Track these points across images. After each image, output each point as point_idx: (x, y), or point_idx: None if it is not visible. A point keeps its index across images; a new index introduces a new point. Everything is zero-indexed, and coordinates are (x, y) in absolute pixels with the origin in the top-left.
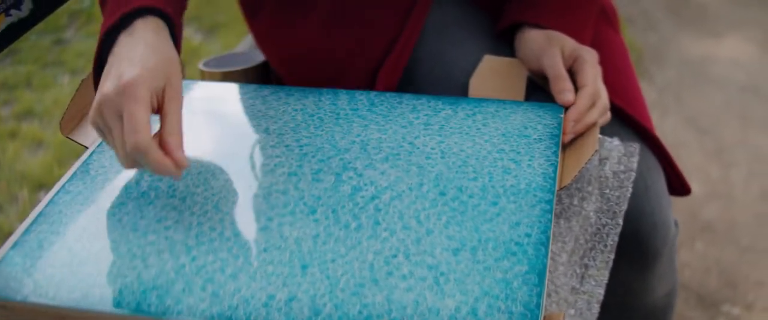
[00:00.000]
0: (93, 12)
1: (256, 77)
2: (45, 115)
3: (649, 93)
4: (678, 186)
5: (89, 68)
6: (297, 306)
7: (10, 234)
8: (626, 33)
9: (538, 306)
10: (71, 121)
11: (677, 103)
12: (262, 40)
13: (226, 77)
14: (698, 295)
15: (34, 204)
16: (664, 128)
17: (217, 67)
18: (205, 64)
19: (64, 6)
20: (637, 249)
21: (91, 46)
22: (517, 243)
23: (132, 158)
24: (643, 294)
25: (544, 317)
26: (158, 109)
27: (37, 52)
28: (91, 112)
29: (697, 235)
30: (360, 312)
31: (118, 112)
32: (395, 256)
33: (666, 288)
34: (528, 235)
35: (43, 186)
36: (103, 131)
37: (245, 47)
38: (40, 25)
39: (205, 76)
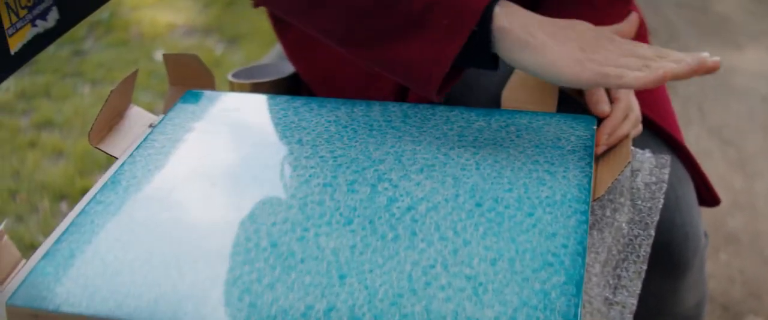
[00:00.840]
0: (112, 23)
1: (285, 88)
2: (65, 125)
3: (673, 104)
4: (707, 197)
5: (109, 78)
6: (336, 316)
7: (31, 245)
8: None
9: (575, 316)
10: (100, 131)
11: (700, 114)
12: (293, 53)
13: (256, 88)
14: (722, 305)
15: (55, 214)
16: (687, 139)
17: (246, 78)
18: (235, 76)
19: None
20: (668, 260)
21: (110, 56)
22: (553, 254)
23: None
24: (674, 305)
25: None
26: None
27: (56, 62)
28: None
29: (721, 246)
30: None
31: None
32: (433, 267)
33: (696, 298)
34: (564, 246)
35: (64, 196)
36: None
37: (272, 58)
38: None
39: (234, 88)
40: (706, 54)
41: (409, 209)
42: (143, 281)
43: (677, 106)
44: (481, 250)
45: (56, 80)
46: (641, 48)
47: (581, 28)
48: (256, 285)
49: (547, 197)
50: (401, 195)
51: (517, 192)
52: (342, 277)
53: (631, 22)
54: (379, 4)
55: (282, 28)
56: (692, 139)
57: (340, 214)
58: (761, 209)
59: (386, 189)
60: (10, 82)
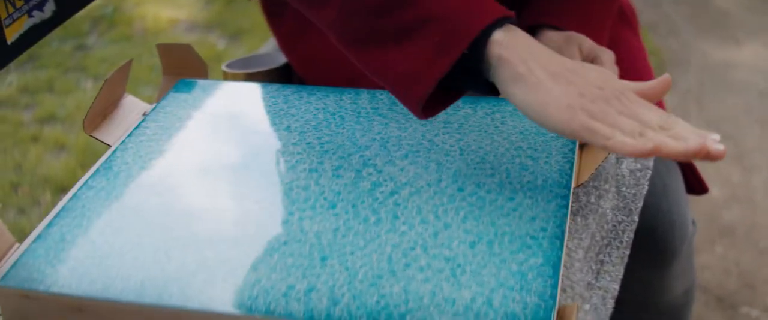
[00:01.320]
0: (115, 19)
1: (278, 78)
2: (67, 120)
3: (671, 98)
4: (696, 185)
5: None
6: (316, 297)
7: None
8: (649, 39)
9: (552, 296)
10: (95, 119)
11: (698, 108)
12: (284, 42)
13: (249, 78)
14: (717, 297)
15: None
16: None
17: (241, 68)
18: (229, 66)
19: (86, 12)
20: (655, 247)
21: (113, 51)
22: (532, 237)
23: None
24: (661, 292)
25: (558, 310)
26: None
27: (58, 57)
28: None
29: (716, 238)
30: (377, 302)
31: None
32: (413, 249)
33: (684, 286)
34: (544, 229)
35: (65, 189)
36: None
37: (269, 49)
38: (62, 31)
39: (228, 78)
40: (715, 136)
41: (392, 193)
42: (131, 264)
43: (675, 99)
44: (461, 233)
45: (59, 75)
46: (648, 112)
47: (592, 74)
48: (239, 267)
49: (528, 182)
50: (385, 180)
51: (499, 178)
52: (323, 259)
53: (659, 84)
54: (380, 7)
55: (275, 21)
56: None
57: (325, 198)
58: (758, 202)
59: (370, 174)
60: (13, 77)
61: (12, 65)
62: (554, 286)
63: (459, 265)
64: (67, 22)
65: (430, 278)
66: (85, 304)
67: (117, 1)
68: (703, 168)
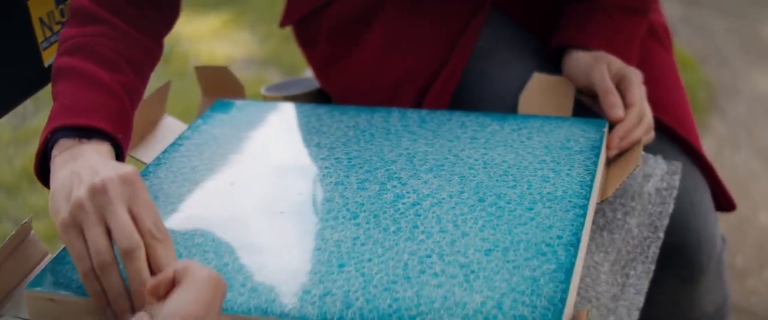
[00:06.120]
0: (170, 55)
1: (315, 101)
2: None
3: (721, 127)
4: (724, 202)
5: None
6: (330, 300)
7: None
8: (700, 70)
9: (562, 301)
10: (131, 139)
11: (748, 137)
12: (318, 72)
13: (287, 101)
14: None
15: None
16: (735, 161)
17: (279, 91)
18: (268, 89)
19: None
20: (683, 264)
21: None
22: (547, 245)
23: (134, 249)
24: (690, 308)
25: (573, 317)
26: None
27: None
28: (77, 208)
29: (765, 264)
30: (390, 306)
31: (125, 198)
32: (429, 256)
33: (715, 303)
34: (559, 237)
35: None
36: (87, 227)
37: (309, 74)
38: None
39: (267, 101)
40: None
41: (414, 204)
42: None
43: (725, 128)
44: (478, 241)
45: None
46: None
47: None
48: (258, 272)
49: (548, 193)
50: (408, 193)
51: (520, 189)
52: (341, 265)
53: None
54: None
55: (309, 51)
56: (740, 161)
57: (347, 209)
58: None
59: (394, 186)
60: None
61: None
62: (565, 291)
63: (473, 271)
64: None
65: (443, 283)
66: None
67: (173, 39)
68: (753, 196)
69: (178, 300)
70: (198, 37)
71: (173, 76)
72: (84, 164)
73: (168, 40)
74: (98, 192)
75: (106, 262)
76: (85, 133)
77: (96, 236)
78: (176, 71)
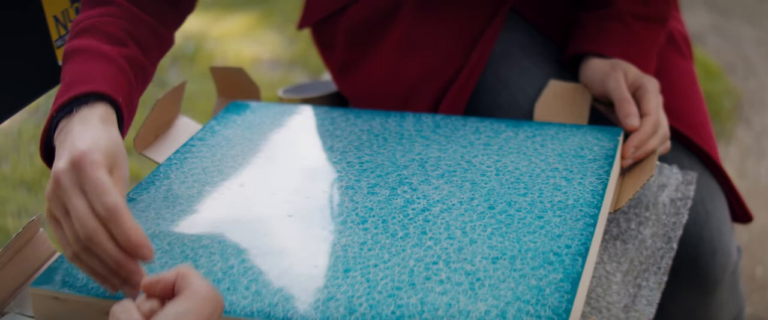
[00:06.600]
0: (196, 56)
1: (331, 104)
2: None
3: (746, 137)
4: (740, 214)
5: (192, 109)
6: (333, 305)
7: None
8: (726, 79)
9: (566, 311)
10: (145, 139)
11: None
12: (335, 73)
13: (304, 104)
14: None
15: None
16: (760, 171)
17: (296, 94)
18: (284, 92)
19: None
20: (697, 275)
21: (193, 88)
22: (555, 254)
23: (90, 232)
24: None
25: None
26: None
27: None
28: (48, 200)
29: None
30: (393, 313)
31: (77, 183)
32: (436, 263)
33: (730, 314)
34: (567, 246)
35: None
36: (60, 218)
37: (328, 77)
38: None
39: (284, 103)
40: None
41: (423, 210)
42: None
43: (750, 138)
44: (486, 249)
45: (139, 110)
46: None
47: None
48: (264, 276)
49: (559, 201)
50: (418, 198)
51: (532, 197)
52: (346, 270)
53: None
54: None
55: (327, 52)
56: (764, 171)
57: (356, 214)
58: None
59: (405, 192)
60: None
61: None
62: (570, 301)
63: (479, 279)
64: None
65: (448, 290)
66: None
67: (199, 39)
68: None
69: (176, 312)
70: (225, 38)
71: (199, 76)
72: (63, 146)
73: (194, 39)
74: (57, 186)
75: (80, 251)
76: (79, 101)
77: (67, 228)
78: (202, 72)
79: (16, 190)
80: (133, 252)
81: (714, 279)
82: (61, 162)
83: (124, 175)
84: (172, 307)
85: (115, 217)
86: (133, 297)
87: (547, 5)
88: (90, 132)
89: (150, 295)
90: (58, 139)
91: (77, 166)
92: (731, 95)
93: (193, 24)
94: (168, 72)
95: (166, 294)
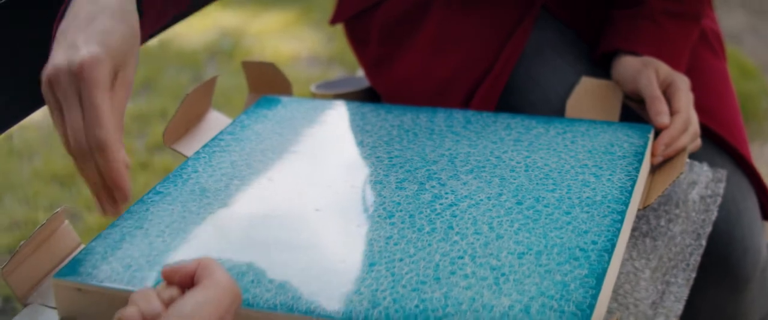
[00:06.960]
0: (234, 52)
1: (363, 99)
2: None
3: None
4: None
5: (228, 105)
6: (357, 299)
7: None
8: (763, 80)
9: (590, 306)
10: (175, 133)
11: None
12: (368, 68)
13: (337, 99)
14: None
15: None
16: None
17: (329, 89)
18: (317, 87)
19: (205, 45)
20: (727, 273)
21: (230, 83)
22: (581, 249)
23: (83, 150)
24: (734, 318)
25: None
26: None
27: (174, 87)
28: (43, 84)
29: None
30: (417, 306)
31: (75, 92)
32: (461, 258)
33: (761, 312)
34: (594, 242)
35: None
36: (52, 107)
37: (362, 73)
38: (179, 61)
39: (316, 98)
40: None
41: (451, 206)
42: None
43: None
44: (512, 244)
45: (173, 104)
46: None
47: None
48: (288, 269)
49: (587, 198)
50: (446, 193)
51: (560, 193)
52: (371, 264)
53: None
54: None
55: (360, 48)
56: None
57: (384, 209)
58: None
59: (433, 187)
60: (128, 105)
61: None
62: (594, 297)
63: (504, 274)
64: (185, 53)
65: (472, 285)
66: None
67: (238, 36)
68: None
69: (196, 301)
70: (263, 34)
71: (236, 72)
72: (69, 33)
73: (232, 36)
74: (55, 83)
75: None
76: None
77: (60, 126)
78: (239, 68)
79: (47, 185)
80: (110, 187)
81: (745, 278)
82: (61, 57)
83: (130, 77)
84: (192, 296)
85: (102, 151)
86: (115, 215)
87: (577, 4)
88: (100, 22)
89: (170, 283)
90: (67, 17)
91: (78, 76)
92: None
93: (231, 20)
94: (206, 67)
95: (186, 282)
